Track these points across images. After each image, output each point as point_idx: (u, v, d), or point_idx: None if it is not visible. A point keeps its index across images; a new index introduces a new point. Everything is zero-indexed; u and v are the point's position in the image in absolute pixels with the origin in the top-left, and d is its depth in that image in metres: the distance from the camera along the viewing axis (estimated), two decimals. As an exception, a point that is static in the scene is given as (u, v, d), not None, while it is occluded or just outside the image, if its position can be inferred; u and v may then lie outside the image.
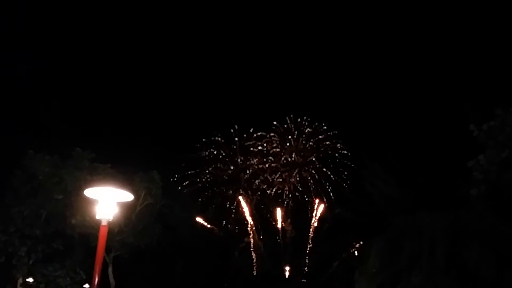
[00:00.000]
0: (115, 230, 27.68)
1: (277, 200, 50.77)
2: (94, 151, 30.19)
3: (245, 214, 50.17)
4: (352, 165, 49.86)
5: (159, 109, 63.58)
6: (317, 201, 49.72)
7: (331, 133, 52.01)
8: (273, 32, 77.53)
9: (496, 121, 19.62)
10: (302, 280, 45.06)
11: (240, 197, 50.71)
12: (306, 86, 66.05)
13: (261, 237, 48.92)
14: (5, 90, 59.86)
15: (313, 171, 52.22)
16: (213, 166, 52.95)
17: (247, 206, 50.14)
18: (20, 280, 29.98)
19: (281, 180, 51.70)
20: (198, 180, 52.24)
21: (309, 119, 52.69)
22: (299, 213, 49.96)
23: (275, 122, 52.91)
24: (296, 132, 52.98)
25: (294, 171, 52.52)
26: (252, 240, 48.26)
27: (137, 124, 60.44)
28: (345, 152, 51.39)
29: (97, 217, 9.90)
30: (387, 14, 61.78)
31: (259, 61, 70.15)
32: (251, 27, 69.97)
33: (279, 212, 49.06)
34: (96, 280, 9.83)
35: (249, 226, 49.61)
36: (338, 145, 51.82)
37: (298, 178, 52.44)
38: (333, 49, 65.74)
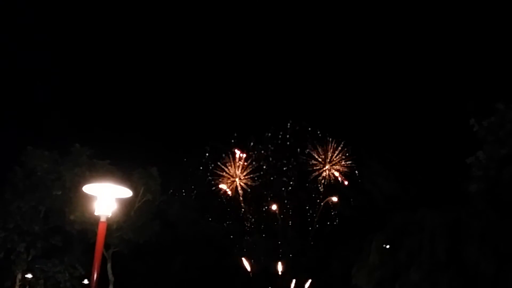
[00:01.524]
0: (114, 226, 27.58)
1: (277, 199, 50.70)
2: (93, 147, 30.07)
3: (245, 213, 50.23)
4: (352, 163, 49.93)
5: (158, 105, 63.48)
6: (317, 200, 49.86)
7: (330, 138, 51.83)
8: (272, 32, 77.39)
9: (497, 117, 19.62)
10: (301, 276, 45.12)
11: (239, 195, 50.69)
12: (304, 86, 65.80)
13: (262, 235, 48.99)
14: (4, 88, 59.90)
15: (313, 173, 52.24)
16: (213, 166, 52.85)
17: (246, 204, 50.18)
18: (19, 276, 29.97)
19: (280, 180, 51.60)
20: (198, 178, 52.19)
21: (309, 127, 52.41)
22: (299, 211, 49.99)
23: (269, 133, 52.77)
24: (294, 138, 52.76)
25: (294, 171, 52.54)
26: (251, 238, 48.31)
27: (136, 121, 60.49)
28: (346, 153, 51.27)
29: (96, 213, 9.88)
30: (385, 10, 61.70)
31: (257, 62, 69.96)
32: (254, 28, 69.85)
33: (277, 209, 49.07)
34: (95, 276, 9.82)
35: (248, 224, 49.67)
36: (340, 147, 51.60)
37: (296, 179, 52.43)
38: (330, 47, 65.69)
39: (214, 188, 51.59)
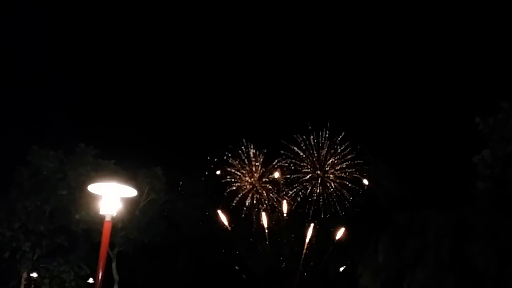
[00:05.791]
0: (119, 226, 27.67)
1: (278, 197, 50.65)
2: (98, 147, 30.16)
3: (251, 210, 50.20)
4: (355, 162, 49.75)
5: (163, 105, 63.55)
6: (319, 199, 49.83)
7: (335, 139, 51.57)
8: (273, 33, 77.39)
9: (502, 115, 19.56)
10: (304, 275, 45.12)
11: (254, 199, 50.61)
12: (304, 87, 65.61)
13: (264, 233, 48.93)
14: (9, 88, 60.17)
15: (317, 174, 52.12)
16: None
17: (250, 203, 50.17)
18: (25, 275, 30.14)
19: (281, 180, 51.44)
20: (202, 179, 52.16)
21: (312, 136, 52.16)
22: (300, 211, 49.95)
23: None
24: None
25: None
26: (255, 236, 48.29)
27: (141, 120, 60.49)
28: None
29: (101, 212, 9.91)
30: (387, 8, 61.46)
31: (258, 64, 69.89)
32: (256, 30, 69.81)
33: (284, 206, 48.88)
34: (100, 275, 9.85)
35: (252, 223, 49.61)
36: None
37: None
38: (334, 46, 65.47)
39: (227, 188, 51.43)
